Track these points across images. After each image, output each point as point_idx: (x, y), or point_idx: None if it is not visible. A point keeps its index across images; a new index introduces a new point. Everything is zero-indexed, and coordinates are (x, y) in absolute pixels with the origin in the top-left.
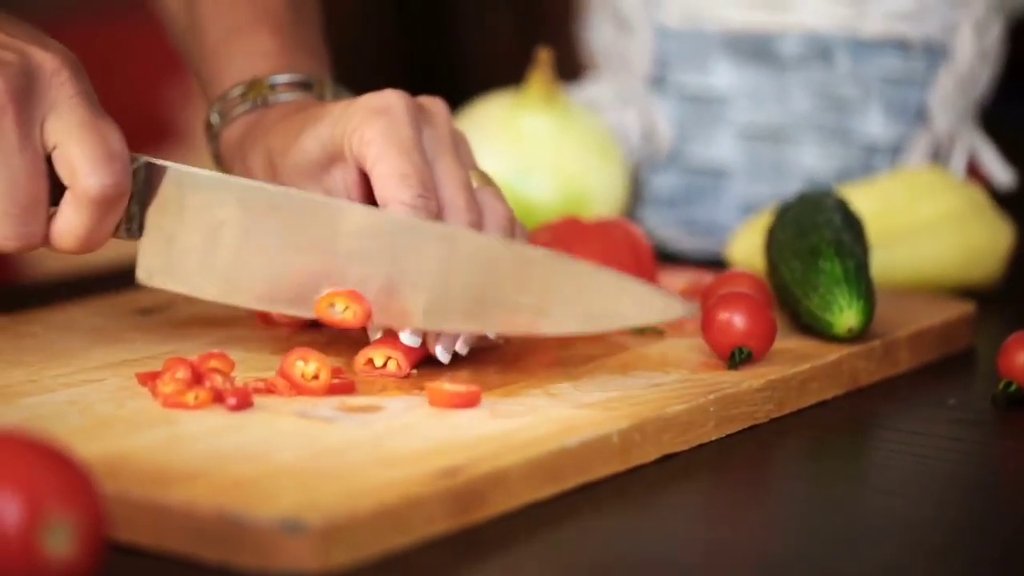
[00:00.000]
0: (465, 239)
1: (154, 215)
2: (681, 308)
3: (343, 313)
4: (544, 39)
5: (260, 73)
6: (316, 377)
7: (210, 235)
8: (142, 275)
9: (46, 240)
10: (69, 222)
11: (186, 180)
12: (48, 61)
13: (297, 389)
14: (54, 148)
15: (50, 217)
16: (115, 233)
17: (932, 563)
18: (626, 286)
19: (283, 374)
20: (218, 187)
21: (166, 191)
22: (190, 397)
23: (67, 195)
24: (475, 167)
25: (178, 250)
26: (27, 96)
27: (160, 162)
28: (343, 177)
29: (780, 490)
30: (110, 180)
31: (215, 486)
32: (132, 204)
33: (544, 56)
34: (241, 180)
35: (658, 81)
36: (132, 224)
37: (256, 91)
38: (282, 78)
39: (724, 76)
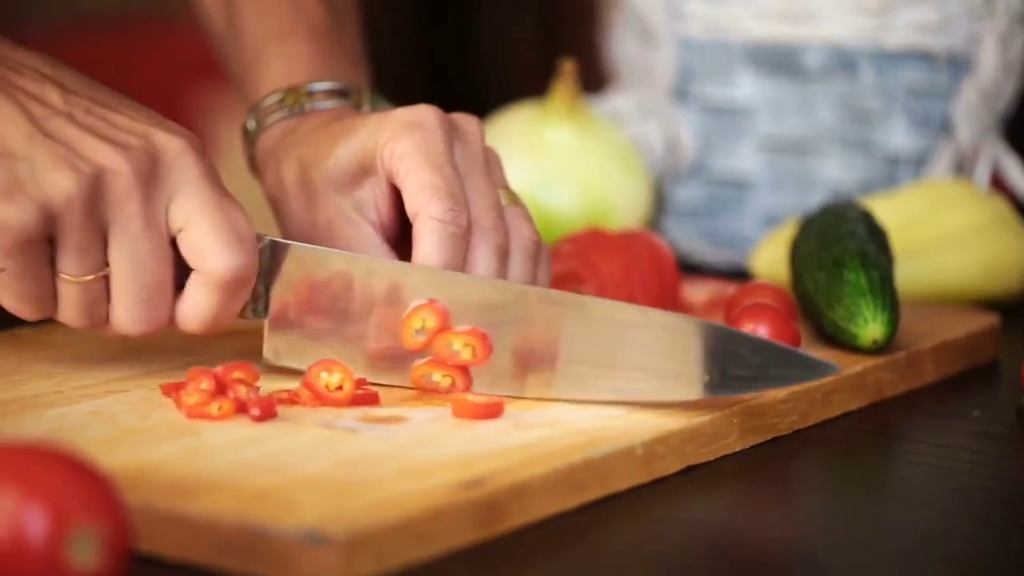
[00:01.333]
0: (595, 306)
1: (279, 293)
2: (826, 368)
3: (463, 351)
4: (567, 51)
5: (298, 80)
6: (340, 388)
7: (335, 313)
8: (269, 355)
9: (171, 322)
10: (197, 305)
11: (310, 258)
12: (172, 143)
13: (320, 400)
14: (180, 231)
15: (175, 299)
16: (241, 314)
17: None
18: (770, 347)
19: (307, 384)
20: (340, 263)
21: (290, 269)
22: (214, 408)
23: (194, 277)
24: (506, 186)
25: (305, 330)
26: (152, 180)
27: (283, 240)
28: (373, 190)
29: (803, 502)
30: (239, 262)
31: (239, 497)
32: (257, 283)
33: (567, 68)
34: (362, 257)
35: (681, 93)
36: (258, 304)
37: (293, 98)
38: (319, 86)
39: (747, 88)
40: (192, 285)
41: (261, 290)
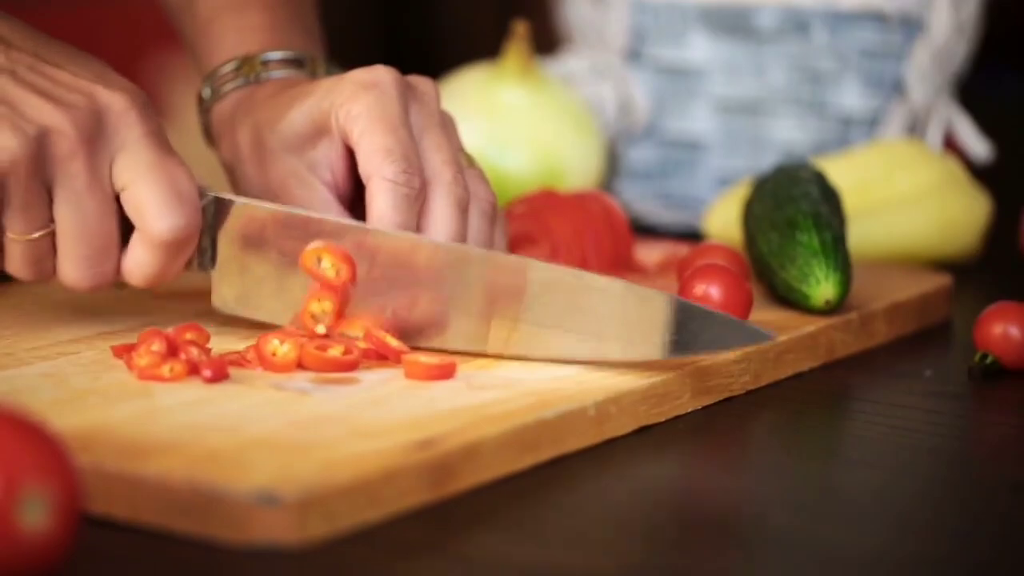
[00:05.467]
0: (531, 268)
1: (224, 246)
2: (760, 335)
3: (328, 270)
4: (521, 12)
5: (252, 49)
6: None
7: (280, 264)
8: (218, 303)
9: (118, 276)
10: (139, 261)
11: (253, 212)
12: (116, 101)
13: (265, 364)
14: (123, 189)
15: (121, 253)
16: (187, 266)
17: (909, 535)
18: (708, 316)
19: (257, 351)
20: (283, 218)
21: (234, 223)
22: (165, 369)
23: (136, 235)
24: (461, 148)
25: (251, 280)
26: (96, 138)
27: (228, 196)
28: (328, 151)
29: (756, 462)
30: (179, 222)
31: (190, 458)
32: (203, 238)
33: (520, 29)
34: (304, 211)
35: (634, 54)
36: (204, 257)
37: (248, 67)
38: (275, 55)
39: (701, 49)
40: (135, 242)
41: (207, 244)
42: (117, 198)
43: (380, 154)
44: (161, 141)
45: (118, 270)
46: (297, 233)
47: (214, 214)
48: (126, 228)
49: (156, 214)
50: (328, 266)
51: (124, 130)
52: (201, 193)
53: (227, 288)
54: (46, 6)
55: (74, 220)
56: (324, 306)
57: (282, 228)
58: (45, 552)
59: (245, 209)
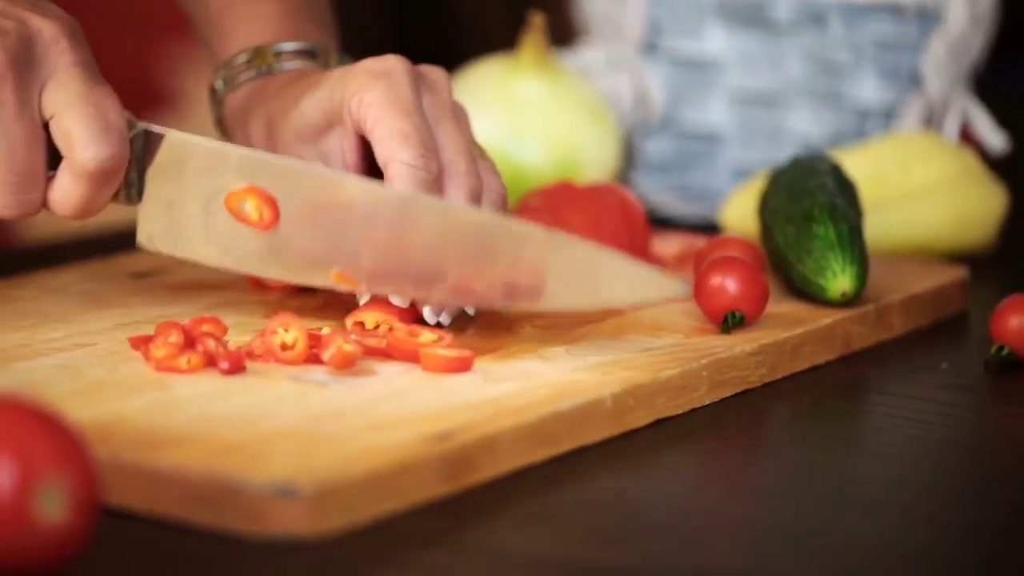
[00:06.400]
0: (463, 213)
1: (153, 180)
2: (677, 287)
3: (251, 212)
4: (537, 4)
5: (265, 40)
6: (293, 347)
7: (209, 201)
8: (143, 239)
9: (44, 206)
10: (66, 191)
11: (184, 147)
12: (47, 28)
13: (273, 358)
14: (51, 117)
15: (48, 182)
16: (114, 198)
17: (924, 527)
18: (623, 265)
19: (263, 340)
20: (216, 155)
21: (164, 157)
22: (182, 361)
23: (63, 165)
24: (473, 140)
25: (178, 215)
26: (25, 65)
27: (158, 129)
28: (340, 142)
29: (773, 454)
30: (105, 152)
31: (208, 450)
32: (131, 170)
33: (537, 21)
34: (239, 148)
35: (651, 47)
36: (131, 190)
37: (261, 58)
38: (287, 46)
39: (717, 41)
40: (62, 172)
41: (135, 176)
42: (46, 127)
43: (397, 139)
44: (91, 71)
45: (44, 200)
46: (225, 170)
47: (143, 147)
48: (55, 158)
49: (83, 144)
50: (251, 208)
51: (54, 58)
52: (130, 125)
53: (153, 224)
54: None
55: (1, 146)
56: (375, 316)
57: (211, 164)
58: (62, 543)
59: (175, 142)
